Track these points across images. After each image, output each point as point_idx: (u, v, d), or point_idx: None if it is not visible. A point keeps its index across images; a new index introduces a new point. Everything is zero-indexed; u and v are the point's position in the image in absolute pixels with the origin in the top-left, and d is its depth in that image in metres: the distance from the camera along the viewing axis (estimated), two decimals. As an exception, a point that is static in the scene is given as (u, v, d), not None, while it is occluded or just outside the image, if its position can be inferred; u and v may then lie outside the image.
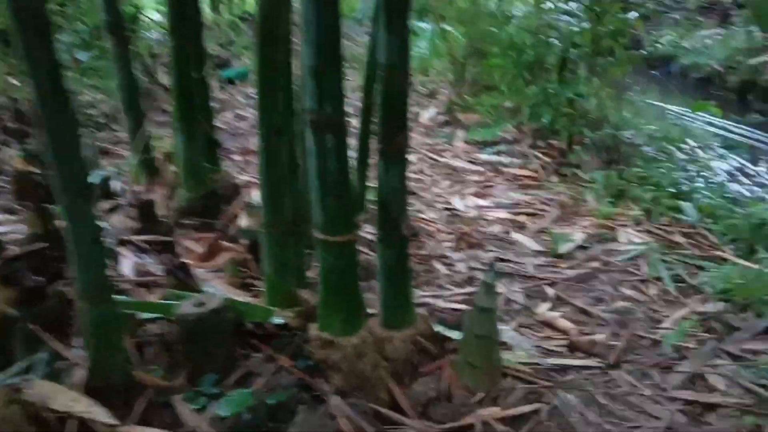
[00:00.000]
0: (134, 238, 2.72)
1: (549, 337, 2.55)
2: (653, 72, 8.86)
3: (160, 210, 2.97)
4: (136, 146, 3.20)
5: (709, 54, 8.71)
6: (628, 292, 2.89)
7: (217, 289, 2.43)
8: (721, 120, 6.03)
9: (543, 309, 2.75)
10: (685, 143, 4.98)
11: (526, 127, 4.94)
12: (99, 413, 1.88)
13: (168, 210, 2.95)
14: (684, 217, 3.60)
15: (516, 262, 3.15)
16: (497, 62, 5.03)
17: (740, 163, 5.12)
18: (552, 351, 2.46)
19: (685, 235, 3.44)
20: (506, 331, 2.55)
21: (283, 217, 2.25)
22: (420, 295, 2.83)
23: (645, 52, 5.57)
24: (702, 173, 4.35)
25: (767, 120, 6.94)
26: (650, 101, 6.16)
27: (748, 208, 3.53)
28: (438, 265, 3.13)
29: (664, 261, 3.09)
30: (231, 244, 2.73)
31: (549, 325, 2.63)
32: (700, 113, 6.05)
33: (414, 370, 2.22)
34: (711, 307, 2.72)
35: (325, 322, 2.11)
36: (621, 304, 2.78)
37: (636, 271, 3.04)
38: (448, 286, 2.93)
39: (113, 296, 2.00)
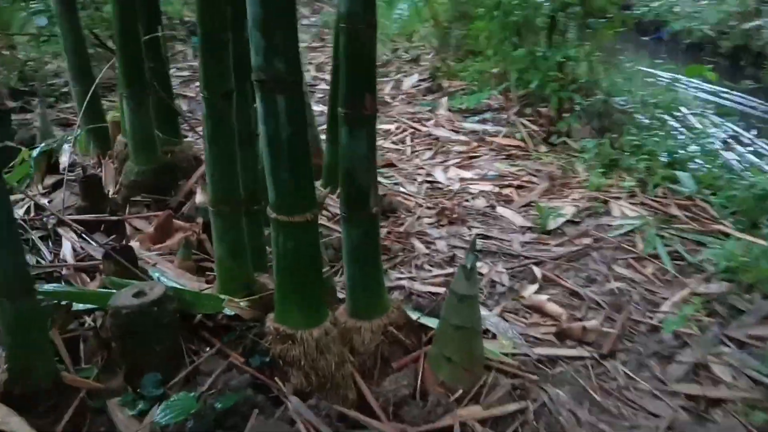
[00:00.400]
0: (76, 217, 2.42)
1: (537, 324, 2.29)
2: (643, 38, 8.54)
3: (110, 185, 2.67)
4: (85, 114, 2.88)
5: (701, 19, 8.39)
6: (623, 271, 2.63)
7: (165, 274, 2.15)
8: (713, 86, 5.76)
9: (530, 291, 2.49)
10: (678, 110, 4.70)
11: (513, 93, 4.63)
12: (16, 424, 1.62)
13: (117, 186, 2.64)
14: (681, 189, 3.33)
15: (501, 240, 2.89)
16: (483, 25, 4.70)
17: (734, 131, 4.86)
18: (540, 340, 2.21)
19: (682, 207, 3.18)
20: (489, 318, 2.29)
21: (234, 193, 1.96)
22: (396, 277, 2.56)
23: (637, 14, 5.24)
24: (698, 141, 4.08)
25: (760, 86, 6.68)
26: (641, 67, 5.86)
27: (750, 178, 3.27)
28: (417, 243, 2.86)
29: (660, 236, 2.83)
30: (185, 224, 2.44)
31: (537, 309, 2.37)
32: (693, 79, 5.80)
33: (385, 365, 1.96)
34: (713, 287, 2.47)
35: (283, 314, 1.84)
36: (615, 284, 2.52)
37: (631, 248, 2.78)
38: (427, 267, 2.66)
39: (35, 287, 1.71)
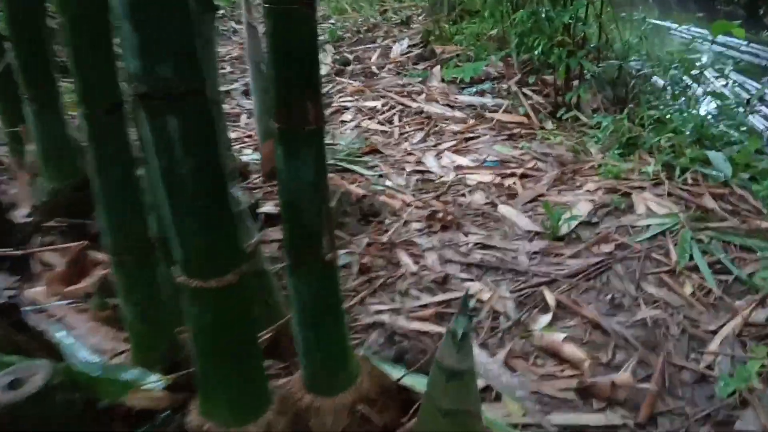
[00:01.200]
0: (-31, 253, 1.90)
1: (552, 375, 1.77)
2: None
3: (23, 206, 2.13)
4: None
5: (714, -36, 7.66)
6: (655, 291, 2.09)
7: (73, 332, 1.64)
8: (734, 39, 5.12)
9: (542, 324, 1.96)
10: (702, 73, 4.11)
11: (514, 59, 4.03)
12: None
13: (30, 207, 2.11)
14: (714, 172, 2.78)
15: (504, 250, 2.35)
16: (478, -18, 4.08)
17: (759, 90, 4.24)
18: (557, 399, 1.69)
19: (717, 197, 2.63)
20: (492, 367, 1.78)
21: (140, 237, 1.43)
22: (375, 309, 2.04)
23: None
24: (725, 110, 3.50)
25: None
26: (655, 20, 5.21)
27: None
28: (403, 257, 2.32)
29: (697, 241, 2.29)
30: (106, 256, 1.91)
31: (552, 353, 1.85)
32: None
33: (353, 461, 1.46)
34: (771, 314, 1.95)
35: (208, 405, 1.32)
36: (647, 312, 1.99)
37: (662, 258, 2.24)
38: (413, 293, 2.13)
39: None
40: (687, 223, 2.39)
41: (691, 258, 2.22)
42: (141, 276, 1.46)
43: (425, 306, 2.05)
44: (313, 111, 1.26)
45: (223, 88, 4.03)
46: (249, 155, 3.16)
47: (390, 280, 2.19)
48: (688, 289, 2.09)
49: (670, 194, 2.67)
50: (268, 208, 2.47)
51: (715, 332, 1.89)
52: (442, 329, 1.93)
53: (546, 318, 1.98)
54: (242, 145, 3.36)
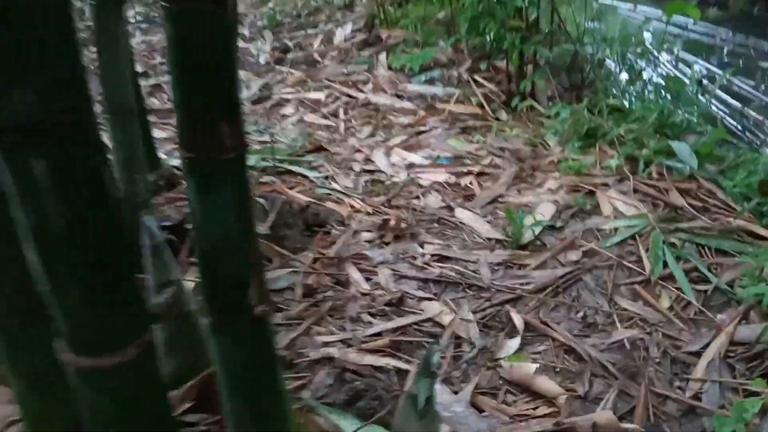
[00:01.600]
0: None
1: (526, 414, 1.56)
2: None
3: None
4: None
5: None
6: (630, 306, 1.90)
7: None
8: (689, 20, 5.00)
9: (510, 350, 1.74)
10: (656, 56, 3.96)
11: (464, 45, 3.80)
12: None
13: None
14: (679, 165, 2.61)
15: (464, 262, 2.12)
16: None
17: (708, 70, 4.11)
18: (532, 445, 1.48)
19: (685, 192, 2.45)
20: (456, 409, 1.55)
21: (20, 297, 1.13)
22: (322, 341, 1.78)
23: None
24: (684, 94, 3.34)
25: (726, 14, 5.97)
26: (606, 1, 5.05)
27: (764, 149, 2.56)
28: (352, 274, 2.07)
29: (669, 244, 2.11)
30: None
31: (523, 386, 1.64)
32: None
33: None
34: (755, 330, 1.77)
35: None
36: (623, 332, 1.79)
37: (634, 266, 2.05)
38: (366, 318, 1.88)
39: None
40: (657, 225, 2.21)
41: (665, 265, 2.03)
42: (27, 342, 1.17)
43: (379, 335, 1.80)
44: (230, 135, 0.98)
45: (150, 82, 3.67)
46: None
47: (339, 303, 1.94)
48: (665, 302, 1.90)
49: (635, 191, 2.48)
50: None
51: (698, 354, 1.70)
52: (398, 363, 1.69)
53: (514, 343, 1.76)
54: (175, 146, 3.01)
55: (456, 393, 1.60)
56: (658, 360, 1.70)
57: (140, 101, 2.38)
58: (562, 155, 2.78)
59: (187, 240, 2.07)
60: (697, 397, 1.58)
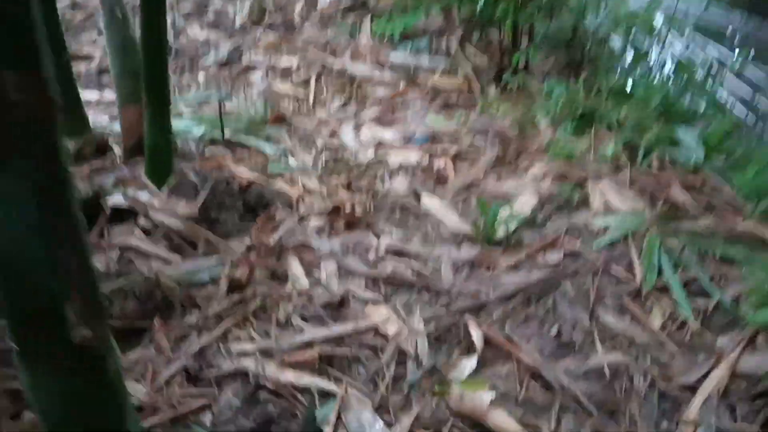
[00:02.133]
0: None
1: (472, 460, 1.25)
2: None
3: None
4: None
5: None
6: (615, 322, 1.57)
7: None
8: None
9: (464, 372, 1.43)
10: (666, 36, 3.59)
11: (455, 13, 3.43)
12: None
13: None
14: (683, 155, 2.27)
15: (423, 259, 1.79)
16: None
17: (726, 58, 3.74)
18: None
19: (688, 187, 2.12)
20: (389, 448, 1.24)
21: None
22: (238, 350, 1.47)
23: None
24: (692, 78, 2.99)
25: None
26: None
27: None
28: (293, 266, 1.75)
29: (667, 249, 1.78)
30: None
31: (473, 421, 1.32)
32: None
33: None
34: (763, 361, 1.44)
35: None
36: (604, 356, 1.47)
37: (624, 273, 1.72)
38: (297, 322, 1.57)
39: None
40: (654, 224, 1.88)
41: (660, 273, 1.71)
42: None
43: (309, 345, 1.49)
44: (19, 86, 0.67)
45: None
46: (108, 124, 2.44)
47: (269, 302, 1.62)
48: (656, 320, 1.57)
49: (632, 182, 2.15)
50: (118, 198, 1.85)
51: (693, 388, 1.39)
52: (324, 383, 1.38)
53: (470, 364, 1.44)
54: (102, 110, 2.63)
55: (390, 426, 1.29)
56: (643, 394, 1.38)
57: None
58: (553, 138, 2.44)
59: (101, 218, 1.76)
60: (689, 445, 1.27)
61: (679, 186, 2.12)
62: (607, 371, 1.42)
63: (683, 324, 1.56)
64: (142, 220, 1.76)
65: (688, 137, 2.33)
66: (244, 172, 2.11)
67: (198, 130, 2.39)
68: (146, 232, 1.75)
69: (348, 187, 2.14)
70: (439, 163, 2.30)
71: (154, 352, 1.45)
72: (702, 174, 2.21)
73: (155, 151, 1.89)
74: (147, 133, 1.92)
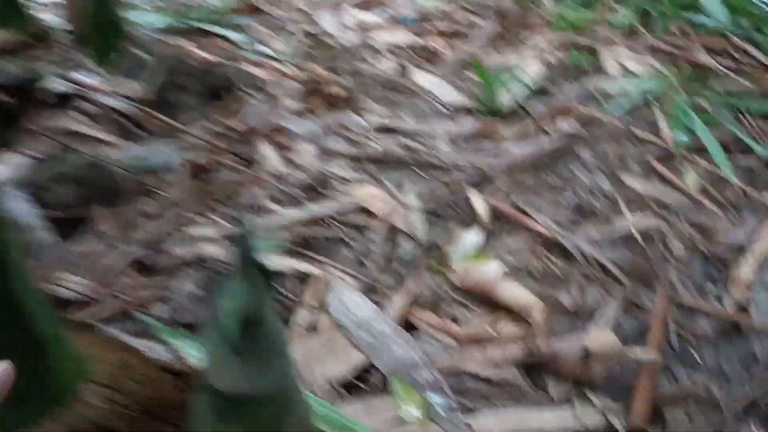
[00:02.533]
0: None
1: (481, 338, 1.03)
2: None
3: None
4: None
5: None
6: (642, 186, 1.34)
7: None
8: None
9: (467, 248, 1.20)
10: None
11: None
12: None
13: None
14: (705, 22, 2.00)
15: (416, 135, 1.55)
16: None
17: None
18: (488, 384, 0.96)
19: (712, 51, 1.86)
20: (378, 325, 1.02)
21: None
22: (198, 235, 1.24)
23: None
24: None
25: None
26: None
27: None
28: (265, 150, 1.51)
29: (696, 109, 1.54)
30: None
31: (481, 297, 1.10)
32: None
33: None
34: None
35: None
36: (632, 218, 1.24)
37: (649, 136, 1.48)
38: (271, 205, 1.33)
39: None
40: (679, 83, 1.63)
41: (691, 133, 1.46)
42: None
43: (284, 227, 1.26)
44: None
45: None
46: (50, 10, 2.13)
47: (238, 183, 1.38)
48: (691, 181, 1.34)
49: (650, 49, 1.88)
50: (56, 83, 1.58)
51: (741, 248, 1.16)
52: (303, 265, 1.15)
53: (474, 238, 1.22)
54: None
55: (383, 309, 1.07)
56: (683, 259, 1.15)
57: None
58: (557, 10, 2.16)
59: (31, 104, 1.50)
60: (743, 308, 1.05)
61: (703, 49, 1.86)
62: (637, 236, 1.19)
63: (722, 183, 1.32)
64: (85, 104, 1.51)
65: (711, 1, 2.05)
66: (204, 55, 1.85)
67: (160, 21, 2.11)
68: (91, 117, 1.50)
69: (328, 70, 1.88)
70: (432, 42, 2.03)
71: (100, 243, 1.22)
72: (726, 38, 1.94)
73: (100, 28, 1.62)
74: (91, 12, 1.66)
